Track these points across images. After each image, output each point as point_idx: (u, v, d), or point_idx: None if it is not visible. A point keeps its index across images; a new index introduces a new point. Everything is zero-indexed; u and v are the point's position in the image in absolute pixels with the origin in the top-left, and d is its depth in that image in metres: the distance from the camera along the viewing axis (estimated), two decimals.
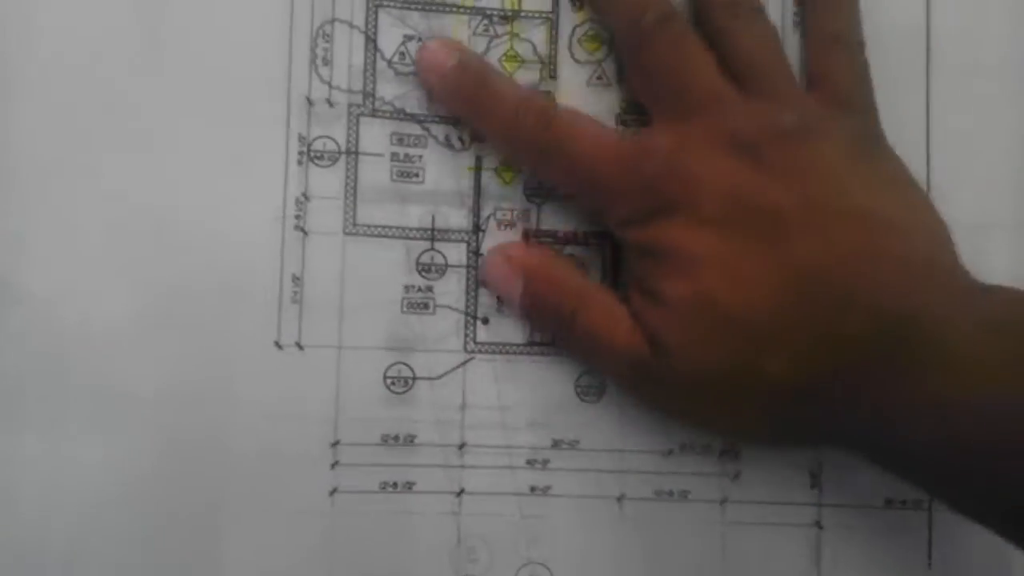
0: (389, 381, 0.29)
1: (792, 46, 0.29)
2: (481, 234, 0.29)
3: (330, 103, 0.28)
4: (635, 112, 0.29)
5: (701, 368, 0.26)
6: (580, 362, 0.29)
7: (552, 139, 0.27)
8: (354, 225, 0.28)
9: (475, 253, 0.29)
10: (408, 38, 0.29)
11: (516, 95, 0.28)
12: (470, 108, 0.28)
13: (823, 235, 0.25)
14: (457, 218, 0.29)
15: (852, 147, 0.27)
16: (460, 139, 0.29)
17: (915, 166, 0.28)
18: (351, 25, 0.28)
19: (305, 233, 0.28)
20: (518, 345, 0.29)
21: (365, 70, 0.29)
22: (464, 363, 0.29)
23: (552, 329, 0.29)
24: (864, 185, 0.26)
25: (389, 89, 0.29)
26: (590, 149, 0.27)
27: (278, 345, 0.28)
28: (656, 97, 0.28)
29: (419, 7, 0.29)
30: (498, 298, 0.29)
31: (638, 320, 0.27)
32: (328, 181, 0.28)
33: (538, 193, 0.29)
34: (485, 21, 0.29)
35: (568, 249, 0.29)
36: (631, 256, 0.28)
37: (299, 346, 0.28)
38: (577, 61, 0.29)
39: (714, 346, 0.26)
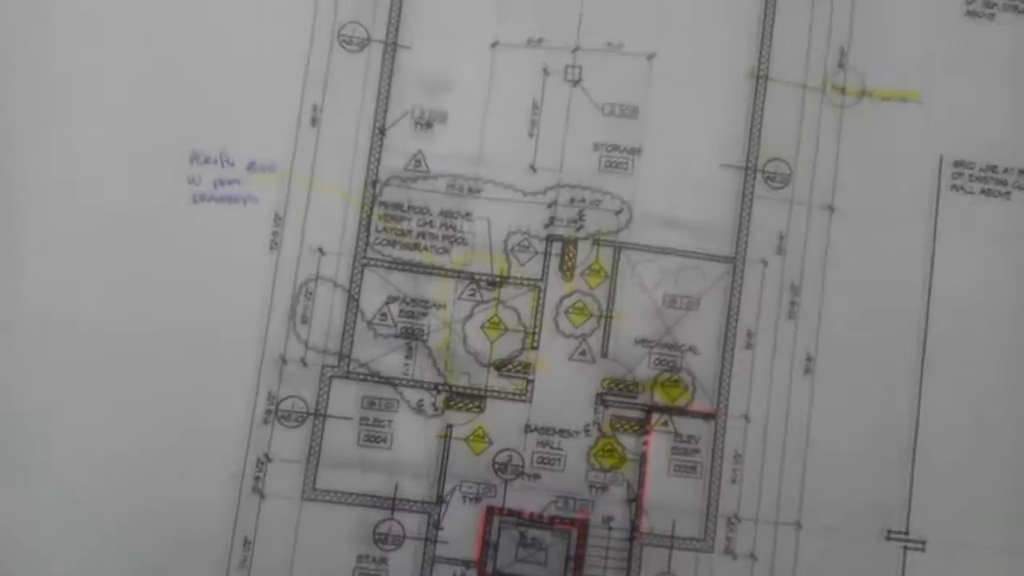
0: None
1: None
2: (444, 506, 0.28)
3: (304, 362, 0.28)
4: (617, 393, 0.28)
5: None
6: None
7: None
8: (313, 490, 0.28)
9: (435, 526, 0.28)
10: (392, 299, 0.29)
11: None
12: None
13: None
14: (420, 488, 0.28)
15: None
16: (433, 405, 0.28)
17: None
18: (335, 284, 0.29)
19: (262, 496, 0.28)
20: None
21: (344, 331, 0.28)
22: None
23: None
24: None
25: (366, 351, 0.28)
26: None
27: None
28: None
29: (406, 268, 0.29)
30: None
31: None
32: (292, 442, 0.28)
33: (506, 468, 0.28)
34: (472, 286, 0.29)
35: (533, 531, 0.28)
36: None
37: None
38: (562, 333, 0.29)
39: None
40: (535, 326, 0.29)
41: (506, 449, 0.28)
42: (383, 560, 0.28)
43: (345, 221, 0.29)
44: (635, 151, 0.29)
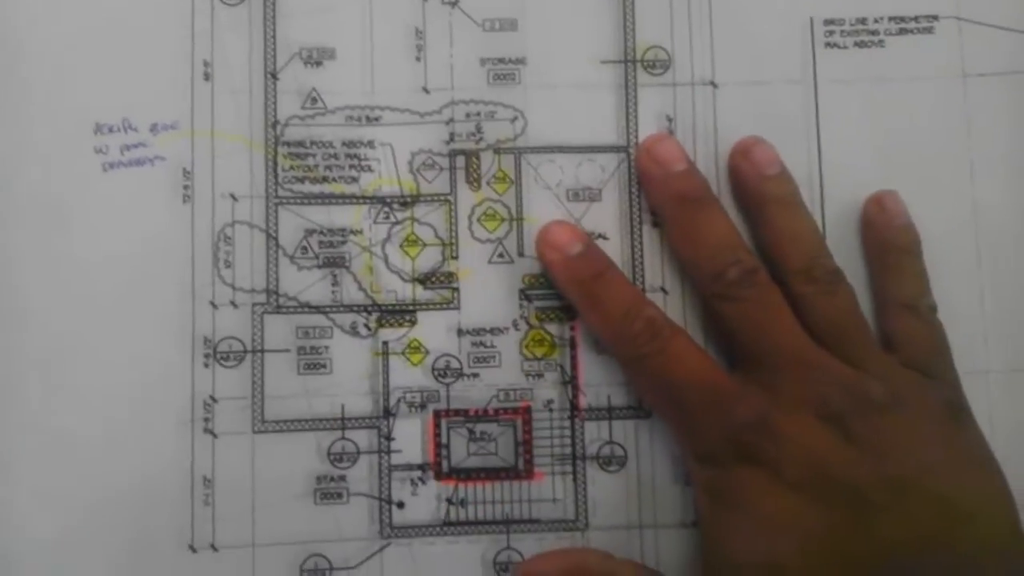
0: (306, 574, 0.29)
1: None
2: (392, 419, 0.29)
3: (234, 304, 0.29)
4: (538, 287, 0.30)
5: None
6: None
7: (655, 351, 0.28)
8: (263, 422, 0.29)
9: (386, 438, 0.29)
10: (309, 232, 0.30)
11: (631, 296, 0.29)
12: (583, 297, 0.29)
13: (902, 517, 0.25)
14: (366, 404, 0.29)
15: (937, 421, 0.27)
16: (366, 326, 0.30)
17: None
18: (252, 225, 0.30)
19: (214, 435, 0.29)
20: (434, 527, 0.29)
21: (268, 268, 0.29)
22: (380, 549, 0.29)
23: None
24: (946, 464, 0.26)
25: (292, 285, 0.29)
26: (688, 373, 0.27)
27: (192, 548, 0.28)
28: (743, 350, 0.28)
29: (318, 201, 0.30)
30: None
31: None
32: (235, 381, 0.29)
33: (445, 373, 0.30)
34: (385, 209, 0.30)
35: (480, 426, 0.29)
36: (700, 492, 0.28)
37: (213, 548, 0.28)
38: (477, 240, 0.30)
39: None
40: (451, 238, 0.30)
41: (443, 355, 0.30)
42: (341, 478, 0.29)
43: (252, 165, 0.30)
44: (520, 61, 0.31)
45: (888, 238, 0.30)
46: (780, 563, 0.25)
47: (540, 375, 0.30)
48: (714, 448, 0.27)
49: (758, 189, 0.30)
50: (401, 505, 0.29)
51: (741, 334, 0.28)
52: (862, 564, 0.25)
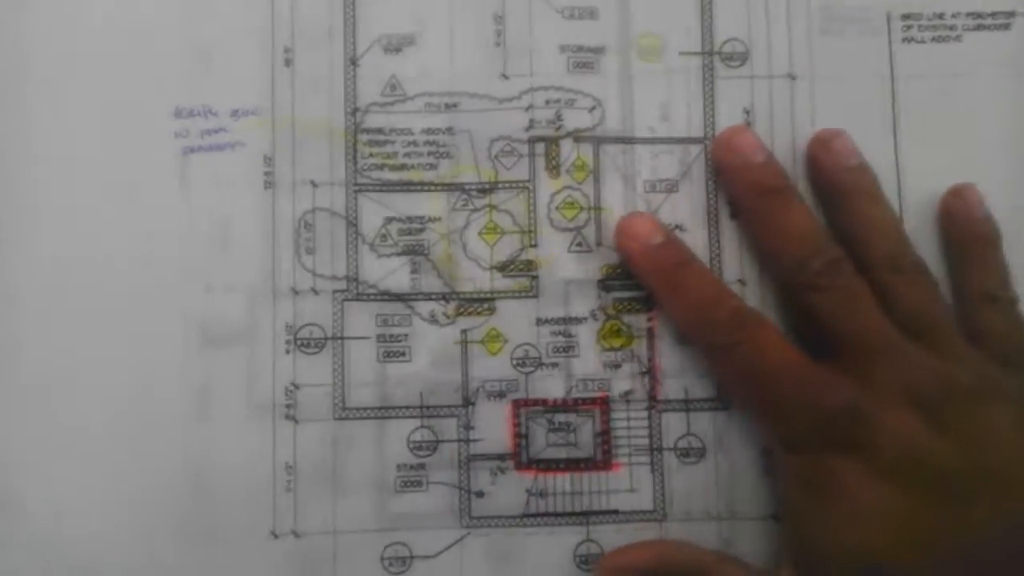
0: (387, 562, 0.28)
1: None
2: (472, 407, 0.29)
3: (315, 291, 0.29)
4: (616, 278, 0.30)
5: None
6: None
7: (740, 340, 0.28)
8: (344, 409, 0.29)
9: (466, 427, 0.29)
10: (389, 219, 0.30)
11: (714, 285, 0.29)
12: (665, 286, 0.29)
13: (994, 506, 0.25)
14: (446, 393, 0.29)
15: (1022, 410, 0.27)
16: (445, 314, 0.29)
17: None
18: (333, 212, 0.29)
19: (296, 421, 0.29)
20: (515, 517, 0.29)
21: (349, 256, 0.29)
22: (461, 539, 0.29)
23: None
24: None
25: (372, 272, 0.29)
26: (778, 362, 0.27)
27: (274, 534, 0.28)
28: (830, 339, 0.28)
29: (397, 188, 0.30)
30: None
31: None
32: (316, 368, 0.29)
33: (525, 363, 0.30)
34: (464, 196, 0.30)
35: (559, 416, 0.29)
36: (789, 481, 0.28)
37: (295, 534, 0.28)
38: (556, 228, 0.30)
39: None
40: (531, 225, 0.30)
41: (522, 344, 0.29)
42: (421, 466, 0.29)
43: (332, 152, 0.30)
44: (599, 50, 0.30)
45: (969, 229, 0.30)
46: (873, 552, 0.25)
47: (618, 366, 0.30)
48: (805, 436, 0.27)
49: (839, 180, 0.29)
50: (481, 495, 0.29)
51: (829, 323, 0.28)
52: (954, 552, 0.25)
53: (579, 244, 0.30)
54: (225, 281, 0.29)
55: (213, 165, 0.29)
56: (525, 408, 0.29)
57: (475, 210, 0.30)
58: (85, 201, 0.29)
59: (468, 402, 0.29)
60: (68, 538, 0.28)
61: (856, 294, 0.28)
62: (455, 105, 0.30)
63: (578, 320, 0.30)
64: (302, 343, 0.29)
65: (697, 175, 0.30)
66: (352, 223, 0.29)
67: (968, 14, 0.31)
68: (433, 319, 0.29)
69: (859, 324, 0.27)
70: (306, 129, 0.29)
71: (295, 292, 0.29)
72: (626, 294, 0.30)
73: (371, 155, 0.30)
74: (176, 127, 0.29)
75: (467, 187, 0.30)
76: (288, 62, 0.30)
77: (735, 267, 0.30)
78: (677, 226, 0.30)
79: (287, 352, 0.29)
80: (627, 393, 0.29)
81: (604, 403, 0.29)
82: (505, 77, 0.30)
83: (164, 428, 0.29)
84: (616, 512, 0.29)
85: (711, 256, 0.30)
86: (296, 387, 0.29)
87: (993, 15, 0.31)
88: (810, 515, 0.27)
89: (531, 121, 0.30)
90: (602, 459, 0.29)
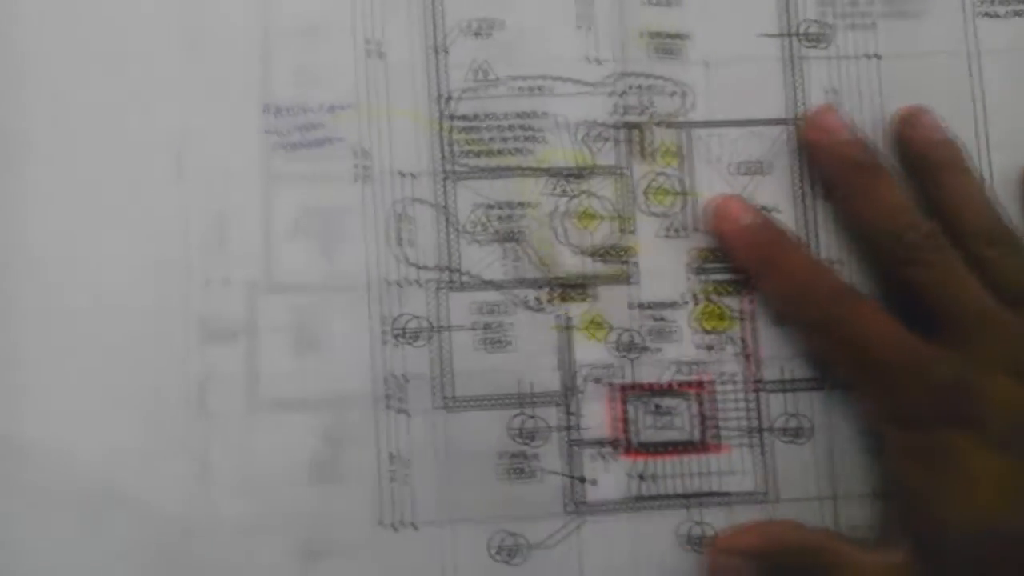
0: (494, 551, 0.28)
1: None
2: (578, 394, 0.29)
3: (414, 282, 0.29)
4: (711, 261, 0.30)
5: None
6: None
7: (842, 315, 0.28)
8: (453, 399, 0.29)
9: (571, 414, 0.29)
10: (485, 207, 0.29)
11: (811, 263, 0.29)
12: (762, 264, 0.29)
13: None
14: (550, 380, 0.29)
15: None
16: (549, 301, 0.29)
17: None
18: (427, 203, 0.29)
19: (409, 415, 0.28)
20: (625, 502, 0.29)
21: (449, 245, 0.29)
22: (577, 527, 0.28)
23: None
24: None
25: (470, 261, 0.29)
26: (883, 336, 0.27)
27: (381, 524, 0.28)
28: (930, 313, 0.28)
29: (492, 175, 0.30)
30: None
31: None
32: (418, 359, 0.29)
33: (630, 348, 0.29)
34: (562, 181, 0.30)
35: (664, 400, 0.29)
36: (900, 456, 0.28)
37: (402, 525, 0.28)
38: (648, 214, 0.30)
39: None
40: (628, 211, 0.30)
41: (626, 330, 0.29)
42: (529, 455, 0.28)
43: (424, 141, 0.29)
44: (683, 36, 0.30)
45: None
46: (992, 523, 0.26)
47: (716, 348, 0.29)
48: (916, 411, 0.27)
49: (927, 155, 0.30)
50: (591, 481, 0.29)
51: (928, 297, 0.28)
52: None
53: (672, 229, 0.30)
54: (327, 272, 0.29)
55: (307, 161, 0.29)
56: (631, 393, 0.29)
57: (572, 196, 0.30)
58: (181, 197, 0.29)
59: (574, 389, 0.29)
60: None
61: (954, 267, 0.28)
62: (545, 89, 0.30)
63: (674, 304, 0.30)
64: (408, 335, 0.29)
65: (785, 156, 0.30)
66: (449, 212, 0.29)
67: None
68: (535, 306, 0.29)
69: (959, 296, 0.27)
70: (397, 119, 0.29)
71: (399, 285, 0.29)
72: (721, 277, 0.30)
73: (464, 142, 0.29)
74: (266, 123, 0.29)
75: (563, 172, 0.30)
76: (375, 53, 0.29)
77: (828, 248, 0.30)
78: (768, 208, 0.30)
79: (394, 344, 0.28)
80: (728, 375, 0.29)
81: (708, 385, 0.29)
82: (596, 62, 0.30)
83: (282, 418, 0.28)
84: (726, 494, 0.29)
85: (805, 236, 0.30)
86: (406, 380, 0.28)
87: None
88: (926, 489, 0.27)
89: (619, 106, 0.30)
90: (706, 441, 0.29)
